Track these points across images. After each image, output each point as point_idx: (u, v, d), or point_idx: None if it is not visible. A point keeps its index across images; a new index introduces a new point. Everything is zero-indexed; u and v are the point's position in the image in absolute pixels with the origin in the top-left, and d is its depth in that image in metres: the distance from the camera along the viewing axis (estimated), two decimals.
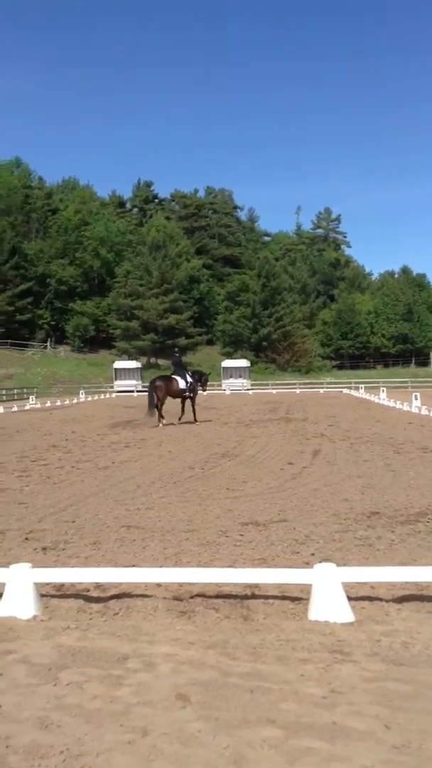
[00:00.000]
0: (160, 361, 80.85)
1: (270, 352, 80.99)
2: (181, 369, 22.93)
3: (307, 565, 5.32)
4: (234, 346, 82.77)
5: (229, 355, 76.45)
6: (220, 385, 63.03)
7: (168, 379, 22.23)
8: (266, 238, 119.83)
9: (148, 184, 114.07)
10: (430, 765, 2.74)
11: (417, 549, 6.33)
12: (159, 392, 21.41)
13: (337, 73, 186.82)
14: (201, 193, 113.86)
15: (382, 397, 36.36)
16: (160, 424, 21.31)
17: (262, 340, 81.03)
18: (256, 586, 5.17)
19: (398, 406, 30.30)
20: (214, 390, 60.55)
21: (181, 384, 22.04)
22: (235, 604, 4.90)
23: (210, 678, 3.61)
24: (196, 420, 22.67)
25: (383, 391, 39.08)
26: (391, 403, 32.24)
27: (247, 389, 60.97)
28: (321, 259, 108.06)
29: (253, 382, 64.70)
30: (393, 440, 15.93)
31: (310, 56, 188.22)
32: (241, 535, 7.08)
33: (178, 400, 22.78)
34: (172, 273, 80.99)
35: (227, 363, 66.96)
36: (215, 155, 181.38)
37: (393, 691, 3.42)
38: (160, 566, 5.76)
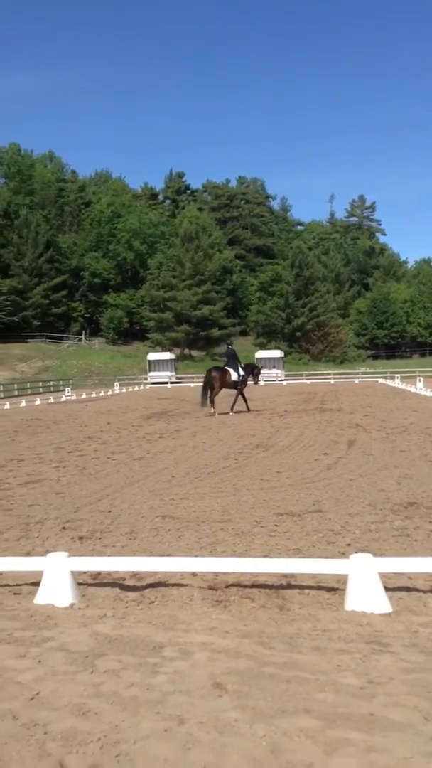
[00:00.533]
0: (194, 353, 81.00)
1: (304, 343, 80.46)
2: (234, 361, 23.46)
3: (343, 555, 5.28)
4: (267, 336, 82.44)
5: (263, 346, 76.20)
6: None
7: (222, 371, 22.84)
8: (299, 228, 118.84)
9: (180, 175, 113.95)
10: None
11: None
12: (215, 383, 22.21)
13: (369, 61, 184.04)
14: (233, 183, 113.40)
15: (419, 387, 35.85)
16: (214, 413, 22.04)
17: (296, 331, 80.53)
18: (292, 576, 5.14)
19: None
20: (248, 381, 60.50)
21: (234, 376, 22.77)
22: (271, 594, 4.88)
23: (246, 667, 3.60)
24: (249, 409, 23.28)
25: (420, 380, 38.52)
26: (428, 393, 31.77)
27: (281, 380, 60.76)
28: (355, 247, 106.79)
29: (287, 373, 64.42)
30: (430, 430, 15.70)
31: (344, 44, 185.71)
32: (276, 525, 7.05)
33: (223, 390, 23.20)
34: (204, 264, 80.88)
35: (261, 354, 66.74)
36: (247, 145, 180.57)
37: None
38: (195, 556, 5.77)
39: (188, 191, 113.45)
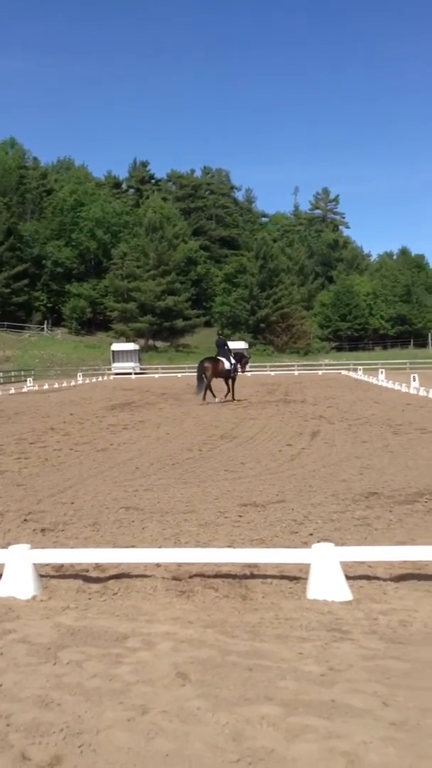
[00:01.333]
0: (158, 344, 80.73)
1: (268, 334, 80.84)
2: (224, 351, 24.26)
3: (306, 545, 5.34)
4: (232, 327, 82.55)
5: (228, 338, 76.27)
6: None
7: (215, 361, 23.60)
8: (264, 219, 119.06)
9: (144, 165, 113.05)
10: (428, 741, 2.76)
11: (415, 528, 6.35)
12: (207, 372, 22.98)
13: (335, 55, 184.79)
14: (198, 174, 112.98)
15: (381, 379, 36.36)
16: (209, 400, 22.82)
17: (260, 322, 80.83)
18: (255, 565, 5.18)
19: (397, 387, 30.31)
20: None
21: (227, 365, 23.64)
22: (234, 584, 4.92)
23: (209, 656, 3.63)
24: (234, 399, 23.90)
25: (382, 372, 39.07)
26: (390, 385, 32.25)
27: (245, 371, 60.93)
28: (319, 240, 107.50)
29: (251, 364, 64.63)
30: (391, 421, 15.95)
31: (310, 39, 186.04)
32: (240, 515, 7.09)
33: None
34: (169, 254, 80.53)
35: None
36: (212, 135, 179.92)
37: (391, 668, 3.44)
38: (159, 547, 5.77)
39: (152, 181, 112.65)
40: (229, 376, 23.96)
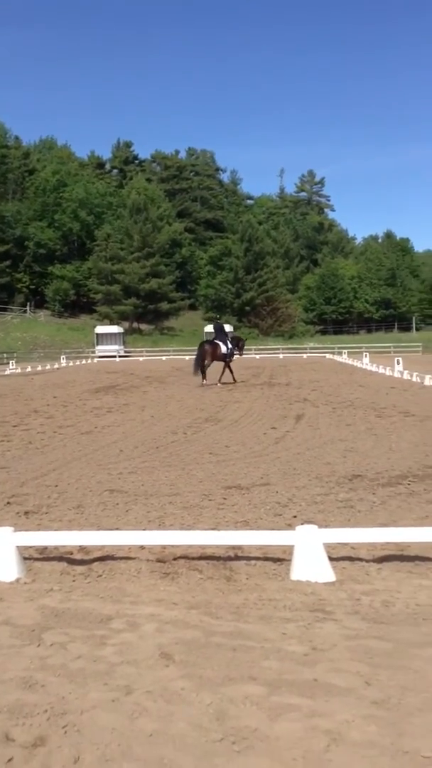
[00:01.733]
0: (143, 326, 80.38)
1: (253, 317, 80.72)
2: (222, 335, 24.88)
3: (290, 527, 5.36)
4: (217, 310, 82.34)
5: (212, 320, 76.21)
6: None
7: (213, 344, 24.15)
8: (249, 202, 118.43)
9: (128, 145, 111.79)
10: (408, 719, 2.80)
11: (397, 510, 6.41)
12: (206, 355, 23.67)
13: (320, 36, 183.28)
14: (182, 155, 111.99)
15: (365, 362, 36.50)
16: (203, 383, 23.49)
17: (245, 305, 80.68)
18: (239, 547, 5.21)
19: (381, 370, 30.49)
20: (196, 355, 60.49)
21: (224, 349, 24.22)
22: (218, 566, 4.94)
23: (193, 637, 3.65)
24: (234, 381, 24.70)
25: (366, 356, 39.21)
26: (374, 368, 32.42)
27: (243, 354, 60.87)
28: (304, 223, 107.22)
29: None
30: (375, 404, 16.04)
31: (296, 20, 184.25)
32: (224, 498, 7.11)
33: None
34: (153, 236, 79.98)
35: (210, 328, 66.51)
36: (196, 116, 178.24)
37: (373, 648, 3.47)
38: (144, 529, 5.78)
39: (136, 161, 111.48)
40: (225, 359, 24.58)
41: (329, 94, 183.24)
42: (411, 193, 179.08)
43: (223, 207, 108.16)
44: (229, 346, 24.58)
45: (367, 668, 3.25)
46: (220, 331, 25.22)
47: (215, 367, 24.93)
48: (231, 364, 25.09)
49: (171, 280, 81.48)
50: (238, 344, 25.71)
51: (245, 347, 27.31)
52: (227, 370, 24.76)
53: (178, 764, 2.54)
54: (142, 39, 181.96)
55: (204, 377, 23.79)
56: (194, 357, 24.78)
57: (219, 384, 23.60)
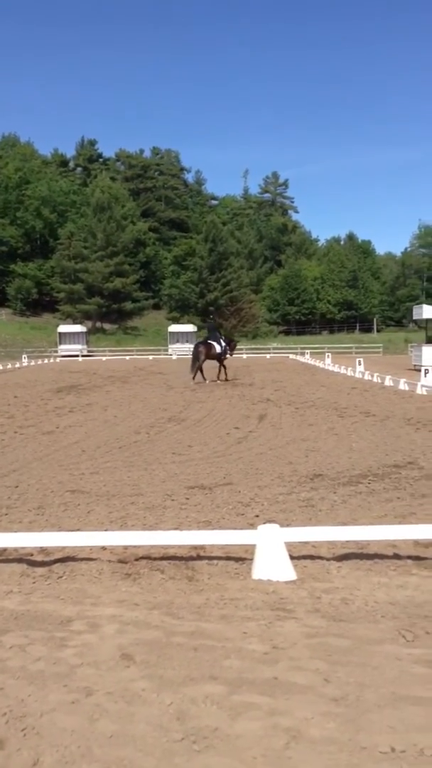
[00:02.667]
0: (106, 326, 79.85)
1: (217, 317, 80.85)
2: (216, 334, 25.77)
3: (252, 526, 5.39)
4: (181, 310, 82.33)
5: (176, 320, 76.15)
6: (166, 350, 62.79)
7: (207, 344, 24.77)
8: (213, 202, 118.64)
9: (92, 143, 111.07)
10: (366, 715, 2.84)
11: (358, 509, 6.49)
12: (201, 355, 24.28)
13: (287, 37, 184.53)
14: (147, 154, 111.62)
15: (327, 363, 36.86)
16: (202, 381, 24.30)
17: (209, 305, 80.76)
18: (202, 547, 5.21)
19: (343, 371, 30.83)
20: (160, 355, 60.36)
21: (218, 348, 24.94)
22: (180, 566, 4.94)
23: (154, 638, 3.64)
24: (227, 379, 25.47)
25: (328, 356, 39.61)
26: (336, 369, 32.77)
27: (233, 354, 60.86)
28: (268, 224, 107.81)
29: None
30: (337, 405, 16.21)
31: (261, 21, 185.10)
32: (187, 498, 7.11)
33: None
34: (117, 235, 79.56)
35: (174, 328, 66.72)
36: (161, 115, 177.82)
37: (332, 645, 3.52)
38: (105, 530, 5.74)
39: (100, 159, 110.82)
40: (219, 358, 25.30)
41: (293, 96, 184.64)
42: (373, 196, 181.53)
43: (187, 207, 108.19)
44: (223, 344, 25.30)
45: (326, 666, 3.29)
46: (213, 331, 26.07)
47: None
48: (225, 363, 25.86)
49: (135, 279, 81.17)
50: (230, 344, 26.27)
51: (236, 348, 28.23)
52: (222, 369, 25.49)
53: (138, 765, 2.53)
54: (105, 36, 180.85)
55: (195, 376, 24.54)
56: (190, 358, 25.59)
57: (218, 380, 24.88)
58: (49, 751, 2.62)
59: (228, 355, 26.19)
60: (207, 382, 24.60)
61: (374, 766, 2.51)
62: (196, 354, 24.44)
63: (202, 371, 24.80)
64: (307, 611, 4.02)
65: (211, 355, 24.69)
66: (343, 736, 2.69)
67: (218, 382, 24.63)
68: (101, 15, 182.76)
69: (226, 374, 25.62)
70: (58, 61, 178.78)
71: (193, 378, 24.47)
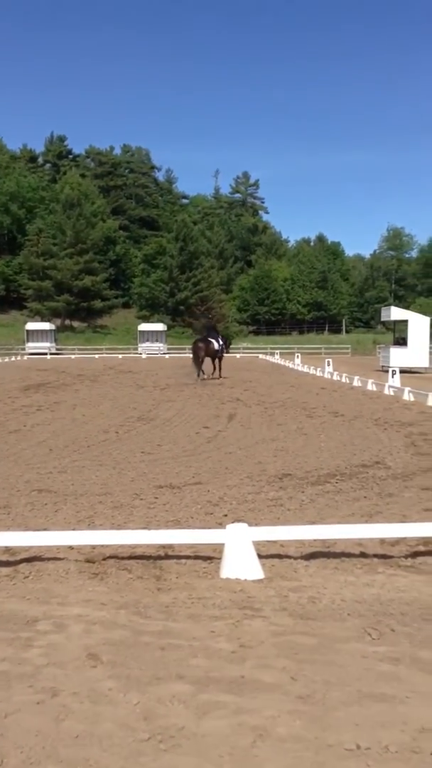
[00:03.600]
0: (75, 324, 79.19)
1: (187, 317, 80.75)
2: (213, 333, 26.86)
3: (220, 525, 5.40)
4: (151, 309, 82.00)
5: (146, 319, 75.78)
6: (136, 349, 62.53)
7: (206, 342, 25.79)
8: (184, 201, 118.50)
9: (62, 139, 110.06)
10: (332, 713, 2.86)
11: (325, 508, 6.54)
12: (201, 352, 25.29)
13: (255, 39, 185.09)
14: (117, 151, 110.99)
15: (297, 363, 37.08)
16: (201, 378, 24.98)
17: (179, 304, 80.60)
18: (170, 546, 5.20)
19: (312, 371, 31.04)
20: (130, 354, 60.10)
21: (216, 346, 26.05)
22: (148, 565, 4.92)
23: (121, 637, 3.62)
24: (221, 376, 26.23)
25: (298, 356, 39.86)
26: (305, 369, 32.98)
27: (164, 353, 60.77)
28: (239, 224, 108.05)
29: (169, 346, 64.50)
30: (306, 405, 16.31)
31: (231, 22, 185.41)
32: (156, 497, 7.09)
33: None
34: (87, 233, 78.93)
35: (144, 327, 66.38)
36: (131, 112, 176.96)
37: (299, 644, 3.54)
38: (73, 529, 5.70)
39: (70, 156, 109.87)
40: (217, 355, 26.34)
41: (264, 96, 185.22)
42: (342, 198, 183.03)
43: (158, 205, 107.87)
44: (220, 343, 26.38)
45: (293, 664, 3.31)
46: (211, 329, 27.20)
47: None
48: (220, 361, 26.92)
49: (104, 277, 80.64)
50: (225, 342, 27.43)
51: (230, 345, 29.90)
52: (218, 366, 26.52)
53: (103, 765, 2.52)
54: (76, 32, 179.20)
55: (203, 372, 25.46)
56: (191, 356, 26.45)
57: (220, 378, 25.82)
58: (13, 752, 2.59)
59: (224, 353, 27.20)
60: (206, 377, 25.38)
61: (339, 763, 2.53)
62: (196, 351, 25.25)
63: (200, 367, 25.52)
64: (275, 610, 4.04)
65: (209, 352, 25.59)
66: (309, 733, 2.71)
67: (218, 379, 25.38)
68: (71, 11, 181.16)
69: (220, 371, 26.38)
70: (27, 57, 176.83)
71: (198, 375, 25.02)
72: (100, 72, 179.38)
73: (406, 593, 4.32)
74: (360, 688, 3.07)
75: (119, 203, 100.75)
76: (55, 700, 2.97)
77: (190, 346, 26.66)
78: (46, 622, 3.85)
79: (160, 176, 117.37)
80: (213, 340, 25.83)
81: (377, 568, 4.83)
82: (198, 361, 25.22)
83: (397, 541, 5.34)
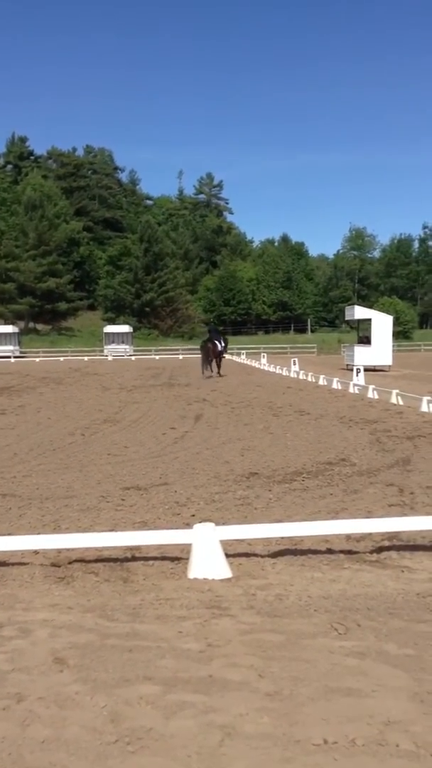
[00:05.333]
0: (39, 326, 78.38)
1: (153, 318, 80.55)
2: (217, 335, 28.96)
3: (188, 526, 5.39)
4: (116, 311, 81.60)
5: (111, 321, 75.41)
6: (101, 351, 62.14)
7: (213, 343, 28.03)
8: (148, 202, 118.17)
9: (23, 140, 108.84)
10: (300, 709, 2.87)
11: (292, 506, 6.58)
12: (210, 353, 27.83)
13: (220, 35, 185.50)
14: (80, 152, 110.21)
15: (263, 363, 37.25)
16: (207, 376, 27.18)
17: (145, 306, 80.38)
18: (137, 548, 5.17)
19: (278, 371, 31.21)
20: (95, 356, 59.70)
21: (219, 347, 28.47)
22: (115, 567, 4.89)
23: (88, 641, 3.59)
24: (220, 374, 28.16)
25: (264, 356, 40.05)
26: (271, 368, 33.14)
27: (130, 355, 60.52)
28: (203, 225, 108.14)
29: (135, 348, 64.28)
30: (272, 404, 16.39)
31: (194, 20, 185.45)
32: (123, 499, 7.05)
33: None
34: (50, 234, 78.25)
35: (109, 328, 66.05)
36: (94, 113, 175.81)
37: (267, 641, 3.55)
38: (38, 533, 5.63)
39: (32, 157, 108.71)
40: (220, 356, 28.54)
41: (228, 97, 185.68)
42: (305, 198, 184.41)
43: (122, 206, 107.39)
44: (222, 344, 28.81)
45: (260, 661, 3.31)
46: (214, 332, 29.40)
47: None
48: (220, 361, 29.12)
49: (69, 279, 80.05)
50: (225, 344, 29.51)
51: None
52: (219, 365, 28.51)
53: None
54: (37, 31, 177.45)
55: (211, 370, 27.78)
56: (200, 356, 29.21)
57: (220, 375, 27.69)
58: None
59: (225, 354, 29.74)
60: (212, 374, 27.57)
61: (307, 758, 2.54)
62: (206, 352, 27.80)
63: (211, 366, 27.89)
64: (242, 608, 4.05)
65: (215, 352, 28.00)
66: (277, 730, 2.72)
67: (222, 375, 27.66)
68: (30, 7, 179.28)
69: (219, 370, 28.42)
70: None
71: (209, 373, 27.44)
72: (62, 73, 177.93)
73: (372, 588, 4.37)
74: (327, 683, 3.09)
75: (82, 204, 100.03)
76: (21, 705, 2.93)
77: (200, 347, 29.35)
78: (11, 628, 3.80)
79: (124, 177, 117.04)
80: (217, 342, 28.12)
81: (343, 564, 4.87)
82: (207, 361, 27.70)
83: (362, 537, 5.40)
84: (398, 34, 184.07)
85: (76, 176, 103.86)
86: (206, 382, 25.44)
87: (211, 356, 27.98)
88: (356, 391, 19.58)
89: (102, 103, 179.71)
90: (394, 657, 3.35)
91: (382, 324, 32.70)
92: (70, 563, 4.99)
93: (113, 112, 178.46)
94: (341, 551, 5.15)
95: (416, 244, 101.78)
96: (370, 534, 5.41)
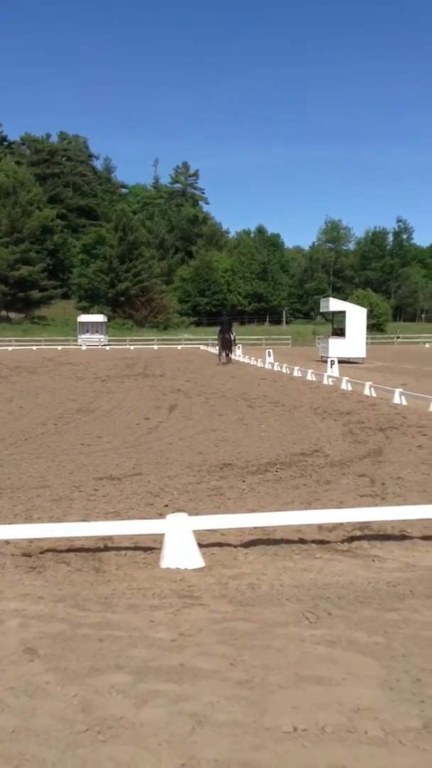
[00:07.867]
0: (12, 315, 77.46)
1: (128, 308, 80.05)
2: (228, 326, 31.61)
3: (161, 516, 5.38)
4: (90, 300, 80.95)
5: (86, 310, 74.77)
6: (75, 341, 61.67)
7: (228, 333, 31.13)
8: (123, 190, 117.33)
9: None
10: (270, 697, 2.89)
11: (265, 497, 6.61)
12: (227, 342, 31.06)
13: (198, 23, 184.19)
14: (54, 139, 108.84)
15: (238, 354, 37.27)
16: (222, 362, 30.13)
17: (120, 295, 79.83)
18: (110, 538, 5.16)
19: (253, 362, 31.28)
20: (69, 345, 59.24)
21: (231, 337, 31.73)
22: (87, 557, 4.87)
23: (59, 630, 3.58)
24: (230, 361, 30.96)
25: (239, 347, 40.05)
26: (246, 360, 33.19)
27: (104, 345, 60.15)
28: (179, 214, 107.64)
29: (110, 338, 63.87)
30: (247, 395, 16.43)
31: (173, 10, 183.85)
32: (95, 489, 7.02)
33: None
34: (23, 221, 77.23)
35: (83, 318, 65.50)
36: (68, 99, 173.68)
37: (239, 630, 3.56)
38: (9, 523, 5.58)
39: (5, 143, 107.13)
40: (231, 346, 31.76)
41: (205, 86, 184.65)
42: (281, 190, 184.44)
43: (96, 194, 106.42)
44: (233, 334, 32.47)
45: (232, 650, 3.33)
46: (227, 324, 31.88)
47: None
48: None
49: (42, 267, 79.15)
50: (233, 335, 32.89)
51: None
52: (230, 354, 31.31)
53: (40, 758, 2.48)
54: (11, 18, 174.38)
55: (226, 356, 30.74)
56: (218, 346, 33.19)
57: (230, 362, 30.32)
58: None
59: (235, 344, 34.07)
60: (225, 361, 30.35)
61: (277, 745, 2.56)
62: (223, 341, 31.06)
63: (227, 354, 30.89)
64: (214, 597, 4.06)
65: (229, 343, 31.19)
66: (248, 718, 2.73)
67: (232, 362, 30.54)
68: None
69: (229, 358, 30.95)
70: None
71: (225, 360, 30.31)
72: (36, 58, 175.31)
73: (343, 577, 4.41)
74: (297, 672, 3.12)
75: (56, 192, 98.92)
76: None
77: (217, 337, 34.27)
78: None
79: (99, 165, 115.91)
80: (230, 333, 31.40)
81: (315, 554, 4.91)
82: (224, 349, 31.03)
83: (334, 527, 5.45)
84: (369, 27, 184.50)
85: (50, 163, 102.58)
86: (221, 368, 27.94)
87: (228, 345, 31.19)
88: (330, 383, 19.71)
89: (77, 90, 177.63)
90: (364, 645, 3.39)
91: (356, 316, 32.91)
92: (41, 553, 4.96)
93: (88, 99, 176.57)
94: (313, 541, 5.19)
95: (390, 238, 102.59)
96: (342, 524, 5.46)
